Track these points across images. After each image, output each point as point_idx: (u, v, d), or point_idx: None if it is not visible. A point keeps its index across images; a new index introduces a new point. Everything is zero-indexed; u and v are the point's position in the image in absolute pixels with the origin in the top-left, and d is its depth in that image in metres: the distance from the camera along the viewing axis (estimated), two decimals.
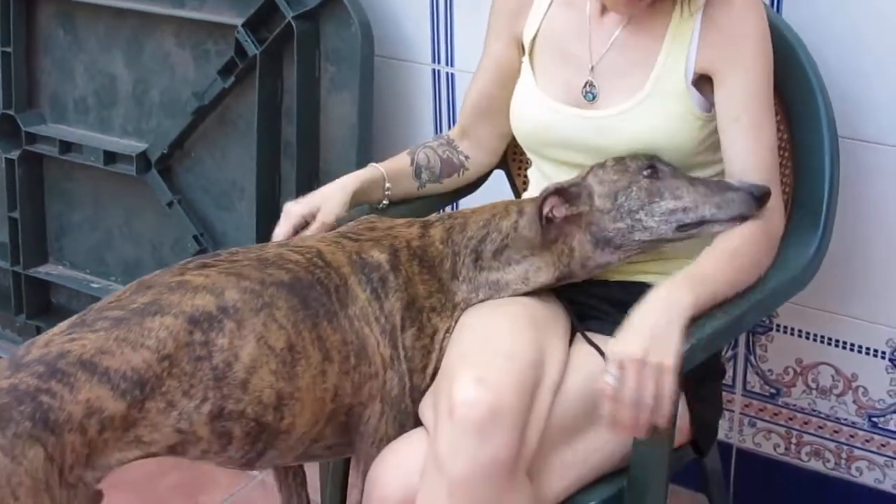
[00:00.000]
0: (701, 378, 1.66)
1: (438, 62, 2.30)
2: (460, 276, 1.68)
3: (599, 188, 1.64)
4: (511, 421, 1.48)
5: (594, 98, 1.72)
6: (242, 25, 2.31)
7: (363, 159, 2.27)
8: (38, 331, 2.82)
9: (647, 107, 1.67)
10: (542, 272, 1.68)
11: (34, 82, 2.73)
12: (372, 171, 1.85)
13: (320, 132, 2.33)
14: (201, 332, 1.50)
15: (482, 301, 1.68)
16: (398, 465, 1.58)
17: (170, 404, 1.48)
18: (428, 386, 1.64)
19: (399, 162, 1.90)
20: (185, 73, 2.50)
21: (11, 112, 2.73)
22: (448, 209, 2.06)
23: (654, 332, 1.44)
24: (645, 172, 1.63)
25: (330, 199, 1.78)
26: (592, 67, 1.72)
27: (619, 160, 1.66)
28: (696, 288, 1.50)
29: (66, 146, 2.67)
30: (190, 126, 2.49)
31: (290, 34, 2.27)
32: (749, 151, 1.64)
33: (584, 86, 1.72)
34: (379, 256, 1.64)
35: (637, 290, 1.59)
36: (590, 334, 1.67)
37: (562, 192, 1.63)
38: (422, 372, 1.63)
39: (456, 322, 1.67)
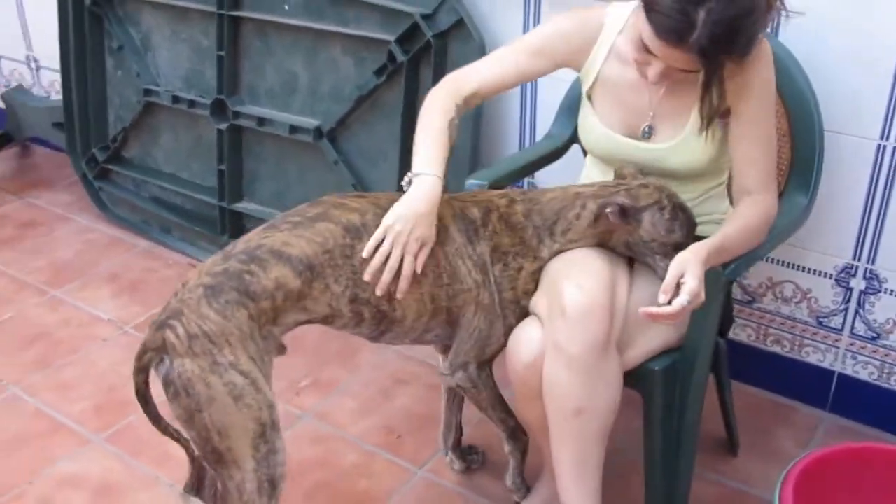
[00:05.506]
0: (728, 290, 1.71)
1: None
2: (543, 242, 1.64)
3: (649, 227, 1.58)
4: (602, 313, 1.52)
5: (651, 134, 1.68)
6: (395, 40, 2.31)
7: (476, 132, 2.31)
8: None
9: (688, 141, 1.64)
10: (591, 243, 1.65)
11: (238, 76, 2.72)
12: (438, 183, 1.60)
13: None
14: (350, 237, 1.53)
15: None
16: (523, 341, 1.60)
17: (326, 287, 1.52)
18: (512, 300, 1.63)
19: (444, 151, 1.63)
20: (347, 73, 2.49)
21: (223, 97, 2.72)
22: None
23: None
24: (675, 244, 1.57)
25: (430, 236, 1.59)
26: (652, 114, 1.66)
27: (674, 216, 1.59)
28: (711, 258, 1.49)
29: (261, 121, 2.66)
30: (351, 109, 2.49)
31: (429, 47, 2.28)
32: (751, 162, 1.60)
33: (644, 127, 1.67)
34: (475, 213, 1.63)
35: None
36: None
37: (623, 210, 1.58)
38: (509, 291, 1.63)
39: (543, 263, 1.64)
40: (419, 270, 1.56)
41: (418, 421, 2.19)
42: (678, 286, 1.45)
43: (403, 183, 1.61)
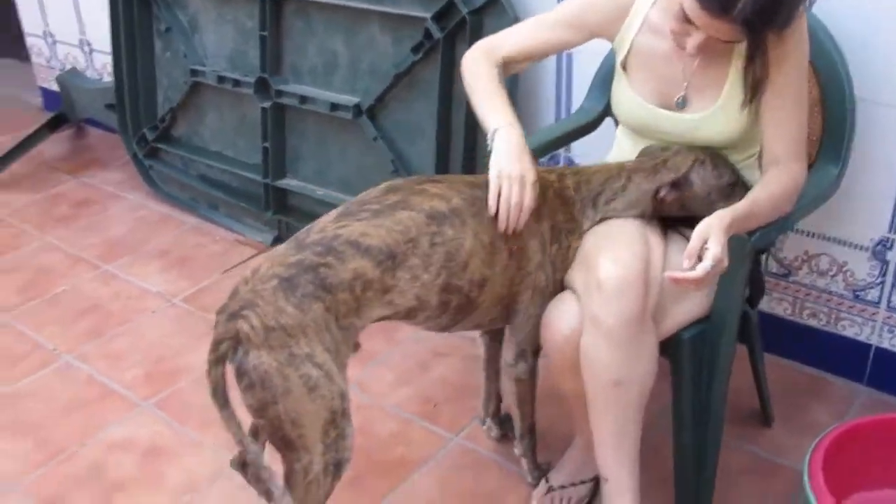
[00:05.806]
0: (756, 258, 1.71)
1: None
2: (586, 215, 1.67)
3: (701, 183, 1.64)
4: (638, 285, 1.52)
5: (685, 105, 1.68)
6: (431, 17, 2.34)
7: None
8: (280, 223, 2.93)
9: (722, 112, 1.64)
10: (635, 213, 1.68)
11: (281, 56, 2.77)
12: (514, 129, 1.66)
13: None
14: (436, 224, 1.52)
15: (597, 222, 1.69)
16: (561, 313, 1.61)
17: (415, 277, 1.50)
18: (561, 281, 1.66)
19: (506, 101, 1.70)
20: (385, 51, 2.52)
21: (266, 76, 2.78)
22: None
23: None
24: (729, 183, 1.64)
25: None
26: (686, 85, 1.66)
27: (715, 163, 1.64)
28: (736, 224, 1.50)
29: (303, 99, 2.71)
30: (389, 86, 2.52)
31: (464, 24, 2.30)
32: (782, 131, 1.60)
33: (678, 98, 1.67)
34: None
35: None
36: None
37: (675, 184, 1.63)
38: (561, 271, 1.65)
39: (582, 238, 1.67)
40: (533, 205, 1.60)
41: (455, 390, 2.23)
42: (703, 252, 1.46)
43: (488, 141, 1.65)
